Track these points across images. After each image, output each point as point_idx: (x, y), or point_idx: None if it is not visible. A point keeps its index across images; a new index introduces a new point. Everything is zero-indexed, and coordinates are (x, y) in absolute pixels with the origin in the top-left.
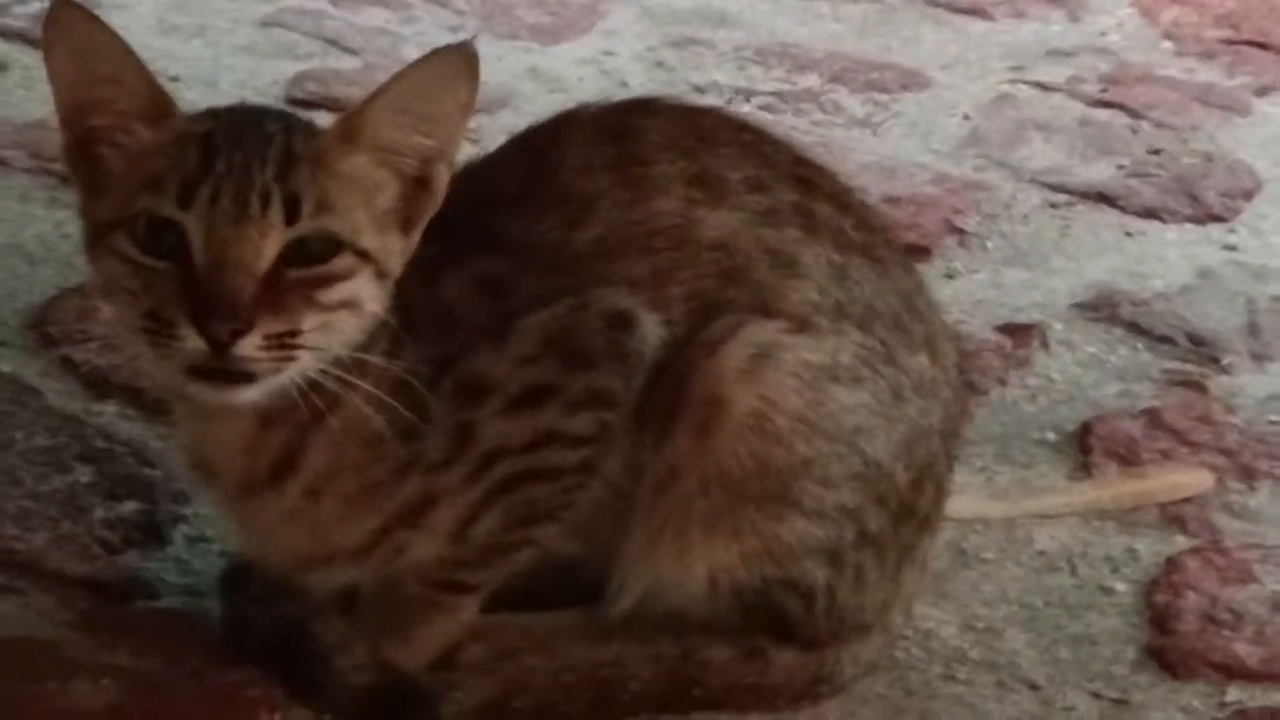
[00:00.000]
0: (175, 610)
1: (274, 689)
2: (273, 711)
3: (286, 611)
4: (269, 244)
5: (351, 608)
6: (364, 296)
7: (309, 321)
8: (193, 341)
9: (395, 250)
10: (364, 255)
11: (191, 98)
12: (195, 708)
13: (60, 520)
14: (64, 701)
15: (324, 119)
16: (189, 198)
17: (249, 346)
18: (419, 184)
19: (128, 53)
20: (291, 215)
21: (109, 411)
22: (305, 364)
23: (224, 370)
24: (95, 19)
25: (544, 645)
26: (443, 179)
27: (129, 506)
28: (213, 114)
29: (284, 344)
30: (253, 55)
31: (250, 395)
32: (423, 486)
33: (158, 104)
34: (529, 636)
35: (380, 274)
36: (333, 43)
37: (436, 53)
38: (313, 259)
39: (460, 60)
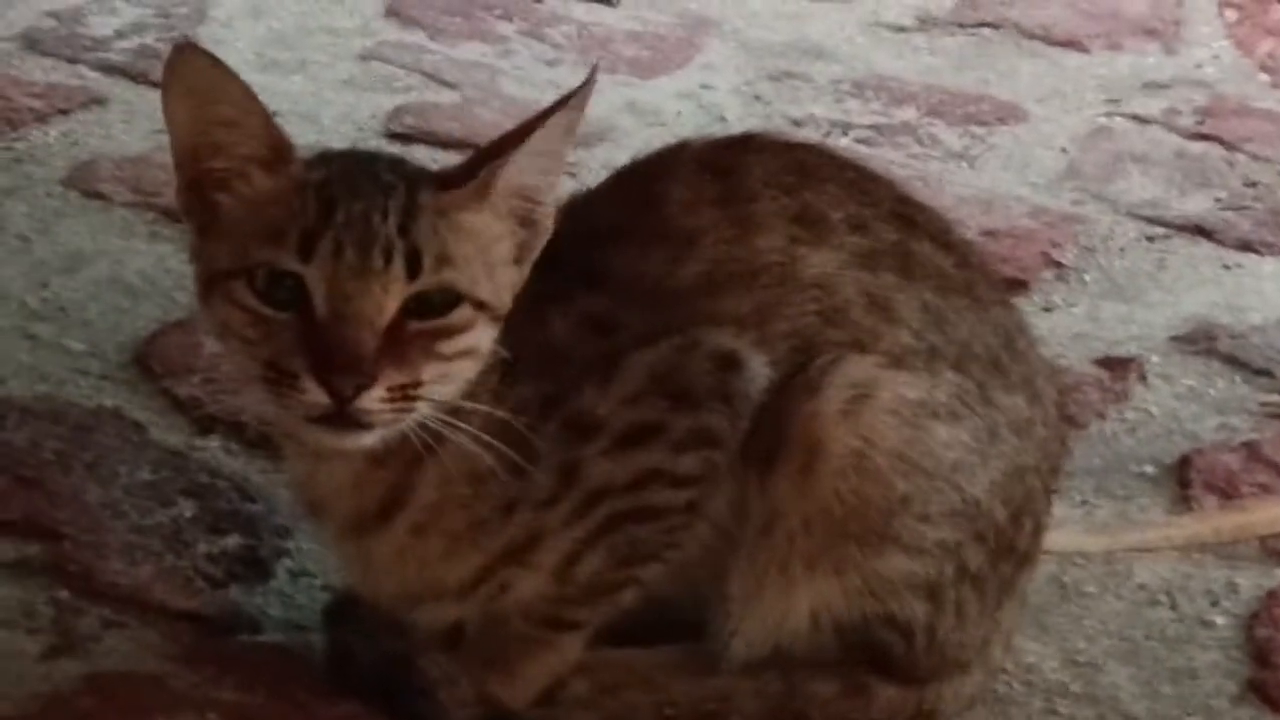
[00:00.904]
0: (279, 644)
1: None
2: None
3: (391, 646)
4: (391, 298)
5: (456, 644)
6: (481, 343)
7: (429, 372)
8: (315, 395)
9: (507, 286)
10: (481, 305)
11: (292, 132)
12: None
13: (164, 554)
14: None
15: (422, 153)
16: (310, 250)
17: (372, 400)
18: (534, 219)
19: (250, 97)
20: (413, 270)
21: (212, 446)
22: (424, 412)
23: (344, 415)
24: (219, 63)
25: (647, 680)
26: (551, 210)
27: (232, 540)
28: (326, 160)
29: (406, 395)
30: (352, 89)
31: (369, 441)
32: (528, 524)
33: (277, 150)
34: (631, 672)
35: (495, 319)
36: (431, 76)
37: (568, 97)
38: (432, 311)
39: (578, 104)
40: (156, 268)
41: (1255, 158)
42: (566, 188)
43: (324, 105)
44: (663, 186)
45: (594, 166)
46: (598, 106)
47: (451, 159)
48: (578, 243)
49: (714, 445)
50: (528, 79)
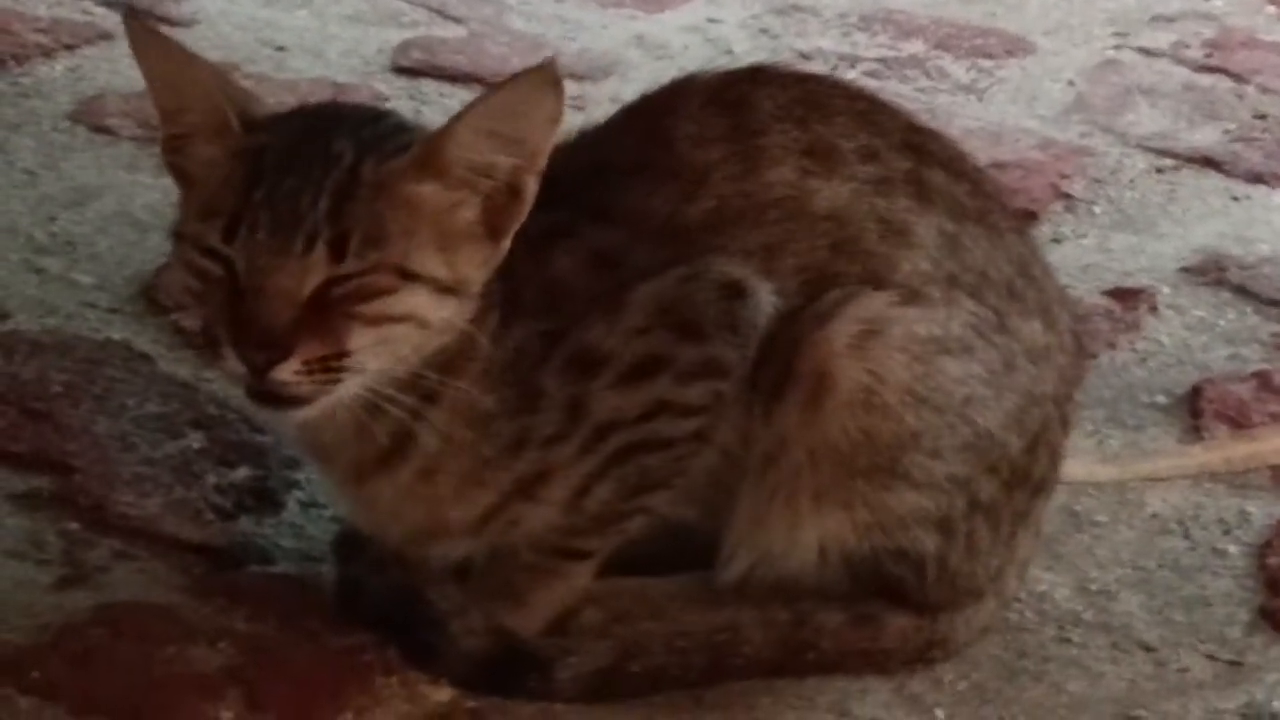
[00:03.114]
0: (290, 575)
1: (389, 653)
2: (388, 675)
3: (400, 578)
4: (312, 278)
5: (466, 574)
6: (423, 313)
7: (357, 340)
8: (233, 364)
9: (474, 262)
10: (409, 275)
11: (299, 67)
12: (311, 671)
13: (174, 486)
14: (182, 665)
15: (430, 87)
16: (233, 230)
17: (285, 372)
18: (510, 193)
19: (190, 65)
20: (338, 253)
21: (220, 378)
22: (352, 386)
23: (264, 388)
24: (155, 34)
25: (658, 609)
26: (532, 189)
27: (241, 472)
28: (279, 124)
29: (327, 367)
30: (358, 24)
31: (303, 415)
32: (536, 460)
33: (217, 123)
34: (643, 601)
35: (445, 290)
36: (438, 11)
37: (521, 76)
38: (352, 275)
39: (545, 81)
40: (163, 201)
41: (1264, 90)
42: (573, 122)
43: (330, 40)
44: (671, 121)
45: (600, 99)
46: (604, 41)
47: (459, 93)
48: (584, 178)
49: (721, 375)
50: (534, 14)
